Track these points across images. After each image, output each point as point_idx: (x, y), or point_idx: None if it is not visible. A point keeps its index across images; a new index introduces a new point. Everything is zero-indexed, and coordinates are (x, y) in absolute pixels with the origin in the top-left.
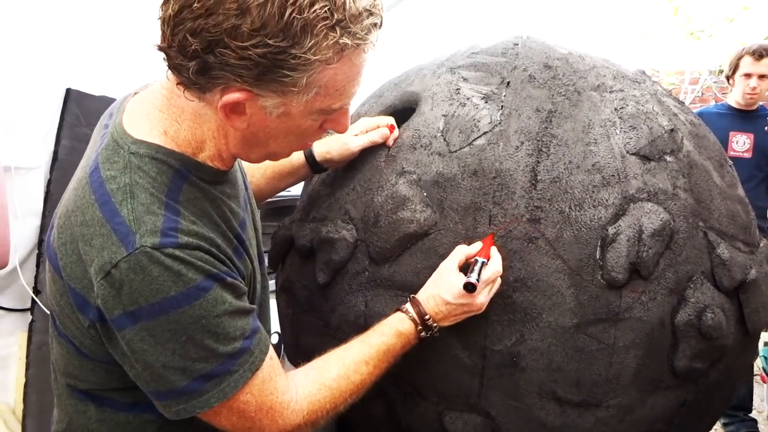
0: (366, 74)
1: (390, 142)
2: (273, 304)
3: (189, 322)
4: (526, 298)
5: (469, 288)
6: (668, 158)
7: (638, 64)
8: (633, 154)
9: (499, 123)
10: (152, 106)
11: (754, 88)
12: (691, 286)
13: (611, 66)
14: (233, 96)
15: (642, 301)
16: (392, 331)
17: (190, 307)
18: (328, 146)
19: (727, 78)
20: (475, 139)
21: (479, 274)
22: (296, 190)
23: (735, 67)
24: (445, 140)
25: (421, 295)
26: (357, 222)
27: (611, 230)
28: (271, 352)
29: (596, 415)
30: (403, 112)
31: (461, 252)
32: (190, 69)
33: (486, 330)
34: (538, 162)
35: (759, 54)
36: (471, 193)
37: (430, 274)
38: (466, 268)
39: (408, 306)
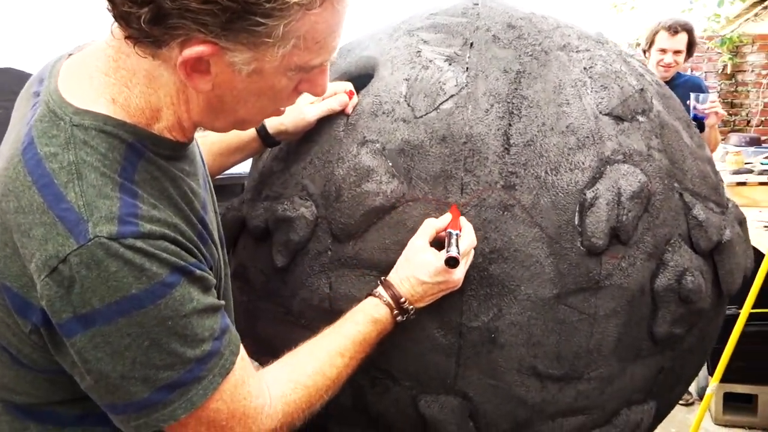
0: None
1: (349, 109)
2: None
3: (153, 324)
4: (503, 270)
5: (452, 263)
6: (640, 118)
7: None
8: (606, 114)
9: (466, 85)
10: (95, 70)
11: (668, 64)
12: (669, 249)
13: (573, 26)
14: (195, 50)
15: (622, 267)
16: (367, 318)
17: (155, 307)
18: (281, 117)
19: (644, 51)
20: (441, 103)
21: (458, 247)
22: (241, 168)
23: (651, 42)
24: (409, 105)
25: (394, 277)
26: (316, 198)
27: (589, 194)
28: (242, 351)
29: (577, 389)
30: (359, 78)
31: (430, 226)
32: (141, 17)
33: (461, 307)
34: (510, 125)
35: (674, 30)
36: (440, 161)
37: (400, 251)
38: (437, 243)
39: (380, 290)
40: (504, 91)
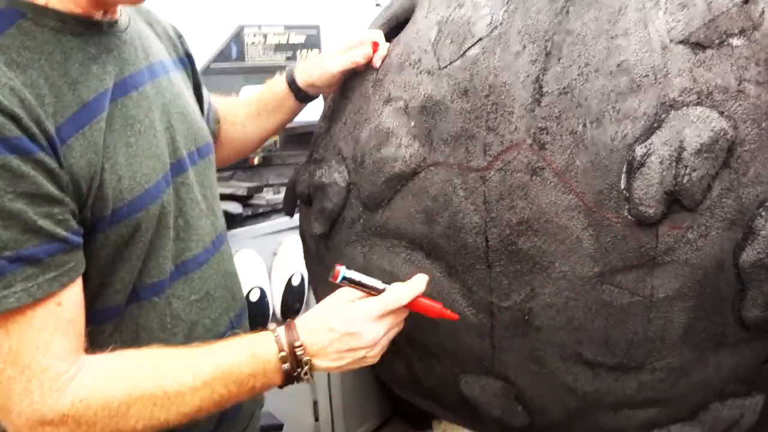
0: None
1: (376, 62)
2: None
3: None
4: (533, 244)
5: (344, 281)
6: (735, 41)
7: None
8: (680, 42)
9: (500, 24)
10: None
11: None
12: (763, 213)
13: None
14: None
15: (688, 239)
16: (247, 350)
17: None
18: (309, 68)
19: None
20: (468, 49)
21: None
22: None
23: None
24: (435, 54)
25: (300, 320)
26: (348, 162)
27: (639, 150)
28: (67, 308)
29: (639, 380)
30: (405, 22)
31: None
32: None
33: (490, 284)
34: (545, 70)
35: None
36: (461, 118)
37: (424, 221)
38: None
39: (280, 328)
40: (543, 26)
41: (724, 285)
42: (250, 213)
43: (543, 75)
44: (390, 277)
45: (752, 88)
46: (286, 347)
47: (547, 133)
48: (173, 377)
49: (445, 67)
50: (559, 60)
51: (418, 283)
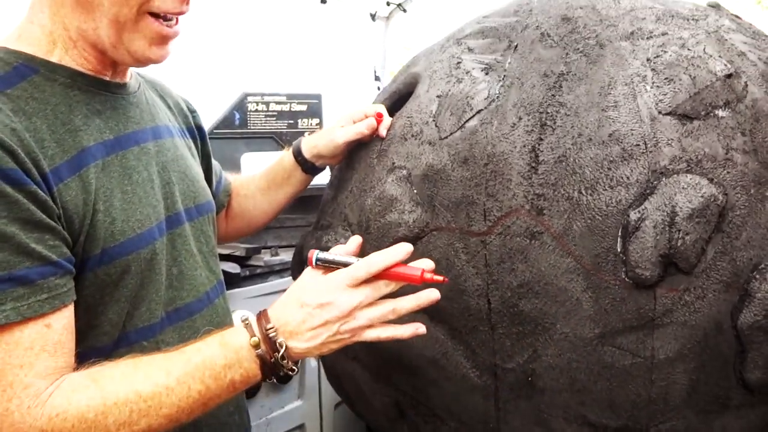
0: None
1: (381, 132)
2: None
3: None
4: (534, 306)
5: (320, 263)
6: (720, 113)
7: None
8: (668, 113)
9: (497, 97)
10: (24, 19)
11: None
12: (758, 276)
13: (658, 5)
14: None
15: (686, 301)
16: (216, 339)
17: None
18: (315, 140)
19: None
20: (467, 121)
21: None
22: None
23: None
24: (436, 125)
25: (273, 306)
26: (354, 228)
27: (633, 215)
28: (56, 329)
29: None
30: (407, 96)
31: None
32: None
33: (493, 345)
34: (540, 139)
35: None
36: (462, 186)
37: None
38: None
39: (250, 315)
40: (538, 99)
41: (725, 346)
42: (248, 273)
43: (539, 145)
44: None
45: (739, 156)
46: (257, 332)
47: (544, 199)
48: (147, 380)
49: (446, 137)
50: (553, 130)
51: (395, 250)
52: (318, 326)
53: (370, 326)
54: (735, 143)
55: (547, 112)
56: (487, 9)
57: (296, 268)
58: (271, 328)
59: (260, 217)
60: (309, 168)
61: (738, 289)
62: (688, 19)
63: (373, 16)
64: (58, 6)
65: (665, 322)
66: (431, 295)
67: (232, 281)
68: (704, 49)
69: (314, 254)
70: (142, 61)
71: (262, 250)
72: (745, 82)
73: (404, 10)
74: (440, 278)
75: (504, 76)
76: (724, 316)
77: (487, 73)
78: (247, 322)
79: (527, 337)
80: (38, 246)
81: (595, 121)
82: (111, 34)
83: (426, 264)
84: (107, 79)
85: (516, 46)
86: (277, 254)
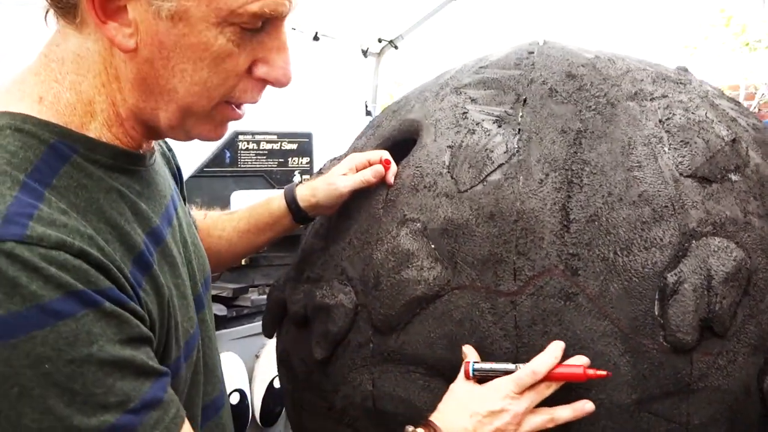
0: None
1: (390, 180)
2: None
3: (23, 364)
4: None
5: (476, 374)
6: (733, 177)
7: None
8: (688, 176)
9: (517, 151)
10: (28, 72)
11: None
12: None
13: (648, 67)
14: None
15: (719, 365)
16: None
17: (28, 339)
18: (313, 188)
19: None
20: (488, 174)
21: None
22: None
23: None
24: (452, 177)
25: (434, 415)
26: (356, 283)
27: (671, 278)
28: None
29: None
30: (403, 144)
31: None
32: None
33: None
34: (569, 197)
35: None
36: (488, 242)
37: (447, 345)
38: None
39: (418, 429)
40: (561, 156)
41: (752, 410)
42: (234, 314)
43: (568, 202)
44: (405, 406)
45: (756, 220)
46: None
47: (578, 259)
48: None
49: (466, 190)
50: (581, 188)
51: (552, 351)
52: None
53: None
54: (751, 207)
55: (572, 170)
56: (475, 49)
57: (271, 323)
58: None
59: (231, 259)
60: (301, 217)
61: (764, 351)
62: (677, 83)
63: (364, 53)
64: (110, 78)
65: (700, 386)
66: (586, 406)
67: (219, 323)
68: (706, 114)
69: (470, 366)
70: (194, 139)
71: (250, 289)
72: (746, 147)
73: (396, 47)
74: (603, 373)
75: (519, 129)
76: (752, 380)
77: (500, 126)
78: None
79: (559, 403)
80: (151, 361)
81: (622, 180)
82: (175, 118)
83: (582, 360)
84: (141, 152)
85: (525, 100)
86: (264, 293)
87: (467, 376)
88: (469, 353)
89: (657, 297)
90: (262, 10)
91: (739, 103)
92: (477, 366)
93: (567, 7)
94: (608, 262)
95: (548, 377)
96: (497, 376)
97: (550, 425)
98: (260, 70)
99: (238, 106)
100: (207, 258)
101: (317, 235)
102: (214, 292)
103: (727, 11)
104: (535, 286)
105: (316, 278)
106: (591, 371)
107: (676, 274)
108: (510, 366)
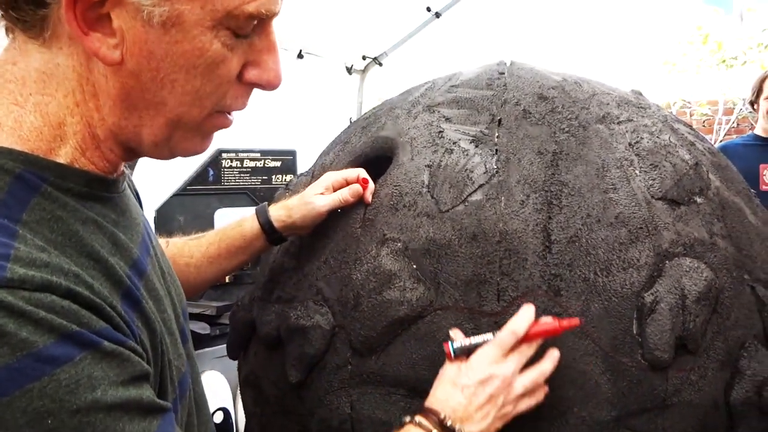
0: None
1: (368, 199)
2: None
3: (19, 423)
4: (551, 390)
5: (458, 352)
6: (698, 199)
7: (668, 96)
8: (659, 198)
9: (497, 172)
10: None
11: None
12: (745, 354)
13: (610, 91)
14: None
15: (691, 380)
16: None
17: (23, 395)
18: (288, 209)
19: (751, 104)
20: (470, 195)
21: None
22: None
23: (758, 91)
24: (433, 197)
25: (427, 400)
26: (333, 303)
27: (648, 297)
28: None
29: None
30: (376, 161)
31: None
32: None
33: (508, 429)
34: (550, 218)
35: None
36: (472, 263)
37: (429, 366)
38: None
39: (420, 418)
40: (540, 177)
41: (719, 423)
42: (218, 332)
43: (549, 223)
44: (385, 429)
45: (720, 240)
46: (434, 428)
47: (561, 280)
48: None
49: (447, 210)
50: (560, 209)
51: (526, 312)
52: (485, 403)
53: (524, 395)
54: (715, 228)
55: (551, 191)
56: (458, 66)
57: (237, 344)
58: (445, 418)
59: (201, 286)
60: (276, 239)
61: (730, 367)
62: (638, 107)
63: (349, 70)
64: (86, 96)
65: (674, 402)
66: (555, 353)
67: (202, 341)
68: (669, 138)
69: (450, 347)
70: (177, 156)
71: (233, 307)
72: (707, 171)
73: (380, 64)
74: (576, 320)
75: (497, 150)
76: (719, 394)
77: (476, 146)
78: (417, 422)
79: (543, 420)
80: (156, 398)
81: (599, 202)
82: (161, 133)
83: (549, 317)
84: (115, 176)
85: (500, 121)
86: None
87: (449, 359)
88: (456, 337)
89: (635, 316)
90: (258, 11)
91: (693, 127)
92: (456, 345)
93: (548, 25)
94: (589, 282)
95: (527, 338)
96: (479, 347)
97: (541, 379)
98: (250, 74)
99: (228, 113)
100: (181, 287)
101: (287, 254)
102: (197, 311)
103: (704, 29)
104: (519, 307)
105: (288, 298)
106: (565, 323)
107: (652, 294)
108: (488, 335)
